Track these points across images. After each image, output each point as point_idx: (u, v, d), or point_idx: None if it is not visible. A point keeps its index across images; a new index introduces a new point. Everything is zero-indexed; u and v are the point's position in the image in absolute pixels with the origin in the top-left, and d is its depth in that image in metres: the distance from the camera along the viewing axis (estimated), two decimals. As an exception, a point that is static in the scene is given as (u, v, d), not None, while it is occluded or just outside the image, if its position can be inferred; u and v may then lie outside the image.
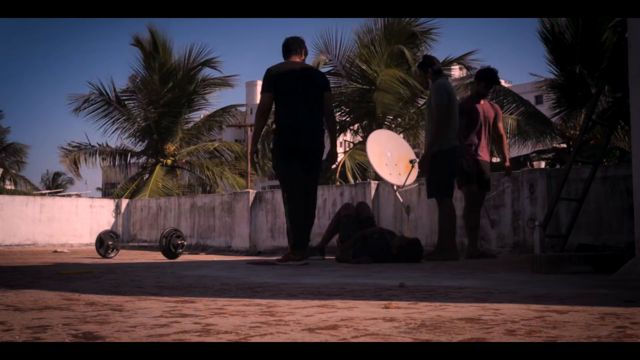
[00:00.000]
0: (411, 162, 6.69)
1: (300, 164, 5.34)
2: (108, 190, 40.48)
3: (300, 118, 5.30)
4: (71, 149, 18.71)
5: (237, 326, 1.69)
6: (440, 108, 5.62)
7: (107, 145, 19.06)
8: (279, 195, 9.24)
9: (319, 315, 1.92)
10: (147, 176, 18.66)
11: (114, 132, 18.68)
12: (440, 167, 5.71)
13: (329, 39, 16.71)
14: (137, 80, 18.79)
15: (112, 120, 18.62)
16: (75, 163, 18.43)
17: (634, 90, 3.65)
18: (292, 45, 5.53)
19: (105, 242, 7.39)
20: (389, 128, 16.39)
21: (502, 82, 17.71)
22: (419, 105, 17.03)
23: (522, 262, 5.20)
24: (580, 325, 1.67)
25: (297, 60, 5.54)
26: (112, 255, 7.38)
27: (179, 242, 7.33)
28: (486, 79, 6.01)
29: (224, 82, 19.29)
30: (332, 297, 2.46)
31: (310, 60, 17.02)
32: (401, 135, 14.91)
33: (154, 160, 19.11)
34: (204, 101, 19.49)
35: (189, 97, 18.90)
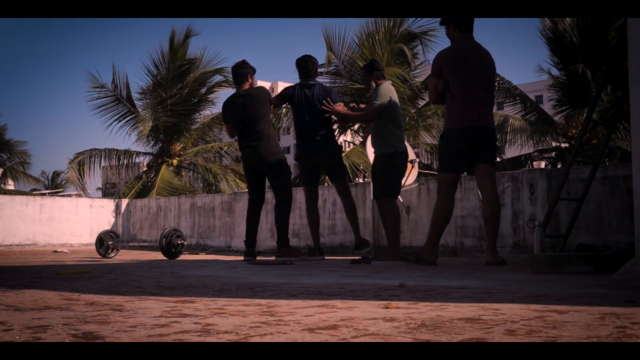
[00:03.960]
0: (411, 162, 6.69)
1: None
2: (108, 190, 40.50)
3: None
4: (78, 155, 18.62)
5: (237, 326, 1.69)
6: (380, 108, 5.84)
7: (112, 149, 19.03)
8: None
9: (319, 315, 1.92)
10: (152, 175, 18.69)
11: (120, 129, 18.67)
12: (396, 169, 5.93)
13: (332, 38, 16.65)
14: (159, 77, 18.77)
15: (121, 118, 18.62)
16: (80, 174, 18.35)
17: (634, 90, 3.65)
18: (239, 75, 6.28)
19: (105, 242, 7.39)
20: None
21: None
22: (419, 107, 17.00)
23: (522, 262, 5.20)
24: (580, 325, 1.67)
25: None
26: (112, 255, 7.38)
27: (179, 242, 7.33)
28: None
29: (231, 86, 19.40)
30: (332, 297, 2.46)
31: (322, 57, 17.05)
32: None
33: (160, 160, 19.14)
34: (211, 103, 19.62)
35: (200, 98, 19.03)
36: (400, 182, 6.04)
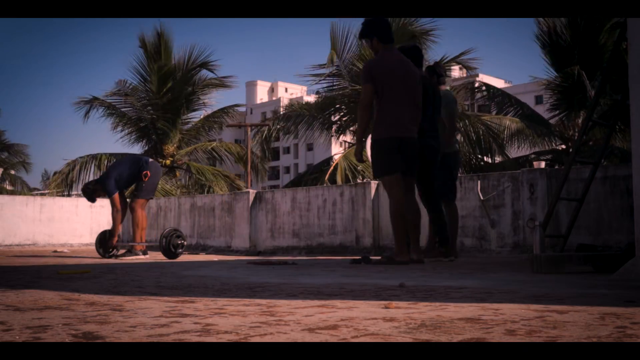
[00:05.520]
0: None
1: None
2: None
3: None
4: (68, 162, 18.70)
5: (237, 326, 1.69)
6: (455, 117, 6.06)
7: (104, 153, 19.06)
8: (278, 195, 9.24)
9: (319, 315, 1.92)
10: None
11: (114, 128, 18.74)
12: (452, 169, 5.96)
13: (336, 37, 16.62)
14: (127, 84, 18.84)
15: (113, 123, 18.70)
16: (67, 184, 18.40)
17: (634, 90, 3.65)
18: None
19: (105, 242, 7.41)
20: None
21: (502, 83, 17.71)
22: None
23: (522, 262, 5.20)
24: (580, 325, 1.67)
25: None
26: (113, 254, 7.39)
27: (179, 242, 7.33)
28: None
29: (221, 84, 19.39)
30: (332, 297, 2.46)
31: (322, 57, 17.05)
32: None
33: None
34: (202, 102, 19.58)
35: (187, 98, 18.97)
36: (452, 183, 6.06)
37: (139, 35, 18.69)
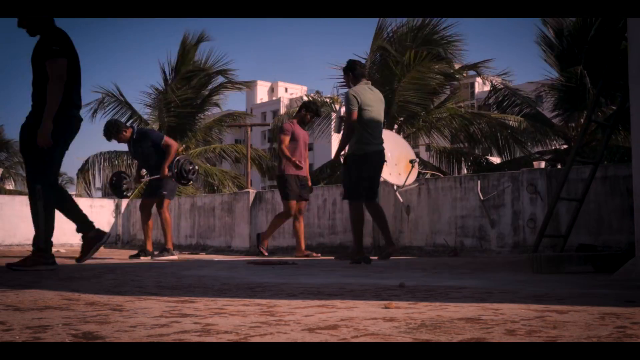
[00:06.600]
0: (411, 162, 6.71)
1: None
2: (108, 190, 40.57)
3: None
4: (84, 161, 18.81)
5: (237, 326, 1.70)
6: (349, 116, 5.63)
7: (116, 151, 19.08)
8: (278, 195, 9.24)
9: (319, 315, 1.92)
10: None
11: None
12: (352, 171, 5.69)
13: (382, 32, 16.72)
14: (167, 82, 18.90)
15: (125, 121, 18.78)
16: (86, 182, 18.55)
17: (634, 90, 3.65)
18: None
19: (120, 182, 7.57)
20: (400, 128, 16.49)
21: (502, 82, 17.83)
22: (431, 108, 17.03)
23: (522, 262, 5.21)
24: (580, 325, 1.67)
25: None
26: (130, 195, 7.78)
27: (190, 167, 7.36)
28: (313, 111, 7.38)
29: (238, 89, 19.71)
30: (332, 297, 2.47)
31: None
32: (402, 134, 14.93)
33: None
34: (216, 105, 19.82)
35: (203, 100, 19.16)
36: (360, 185, 5.67)
37: (182, 38, 18.98)
